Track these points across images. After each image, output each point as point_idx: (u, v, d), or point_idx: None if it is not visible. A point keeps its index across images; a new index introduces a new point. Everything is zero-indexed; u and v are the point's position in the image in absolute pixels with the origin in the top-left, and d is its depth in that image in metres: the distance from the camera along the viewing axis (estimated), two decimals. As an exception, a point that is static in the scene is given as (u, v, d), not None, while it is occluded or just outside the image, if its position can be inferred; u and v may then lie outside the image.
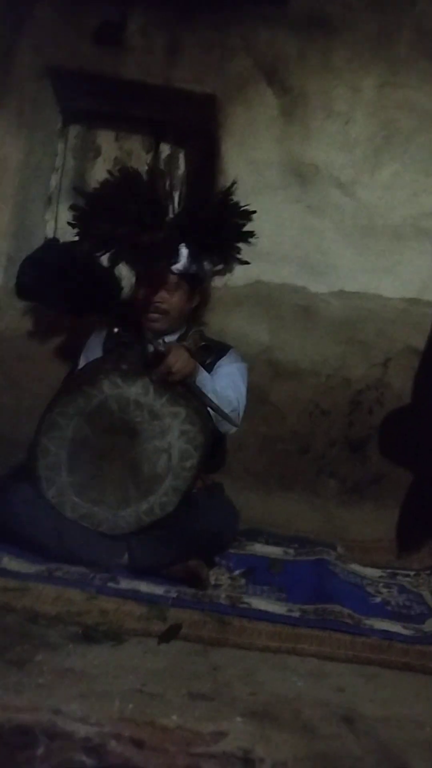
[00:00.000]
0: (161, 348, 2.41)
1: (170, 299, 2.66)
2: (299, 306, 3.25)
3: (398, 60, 3.16)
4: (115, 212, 2.50)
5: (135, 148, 3.61)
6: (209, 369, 2.63)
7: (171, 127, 3.57)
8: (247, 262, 2.73)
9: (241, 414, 2.65)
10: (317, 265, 3.24)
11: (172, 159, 3.61)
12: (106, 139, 3.63)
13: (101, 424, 2.44)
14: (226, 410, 2.49)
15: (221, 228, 2.63)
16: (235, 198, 2.69)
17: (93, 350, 2.74)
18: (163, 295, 2.64)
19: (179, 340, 2.70)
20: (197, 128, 3.43)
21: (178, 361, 2.38)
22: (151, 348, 2.47)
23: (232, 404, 2.57)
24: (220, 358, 2.72)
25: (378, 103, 3.19)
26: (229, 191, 2.69)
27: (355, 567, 2.79)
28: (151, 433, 2.43)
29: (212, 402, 2.44)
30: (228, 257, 2.72)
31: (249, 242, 2.69)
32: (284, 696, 1.74)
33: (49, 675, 1.71)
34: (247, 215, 2.67)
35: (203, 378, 2.50)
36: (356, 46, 3.14)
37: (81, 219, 2.59)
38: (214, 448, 2.58)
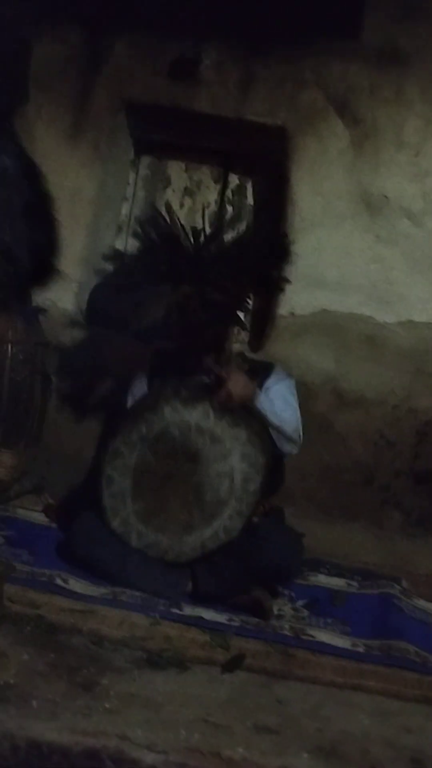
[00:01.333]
0: (221, 373, 2.43)
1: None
2: (366, 336, 3.24)
3: (471, 91, 3.15)
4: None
5: (204, 178, 3.68)
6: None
7: (240, 158, 3.63)
8: (288, 281, 2.73)
9: (301, 433, 2.64)
10: (385, 294, 3.23)
11: (240, 189, 3.66)
12: (175, 170, 3.71)
13: (163, 450, 2.47)
14: (288, 430, 2.50)
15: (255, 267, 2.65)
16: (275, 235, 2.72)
17: (139, 390, 2.75)
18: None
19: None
20: (266, 159, 3.47)
21: (238, 385, 2.39)
22: (211, 375, 2.49)
23: (292, 424, 2.57)
24: (266, 377, 2.71)
25: (450, 134, 3.18)
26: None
27: (421, 602, 2.73)
28: (213, 457, 2.44)
29: (275, 423, 2.45)
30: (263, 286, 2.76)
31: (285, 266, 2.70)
32: (351, 733, 1.71)
33: (116, 700, 1.73)
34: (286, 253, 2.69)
35: (262, 400, 2.50)
36: (429, 78, 3.15)
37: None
38: (273, 469, 2.57)
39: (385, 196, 3.19)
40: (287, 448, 2.56)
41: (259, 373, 2.71)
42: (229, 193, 3.67)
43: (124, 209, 3.73)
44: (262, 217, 3.51)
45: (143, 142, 3.68)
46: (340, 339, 3.24)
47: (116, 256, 2.96)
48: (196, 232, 2.59)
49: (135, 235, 2.68)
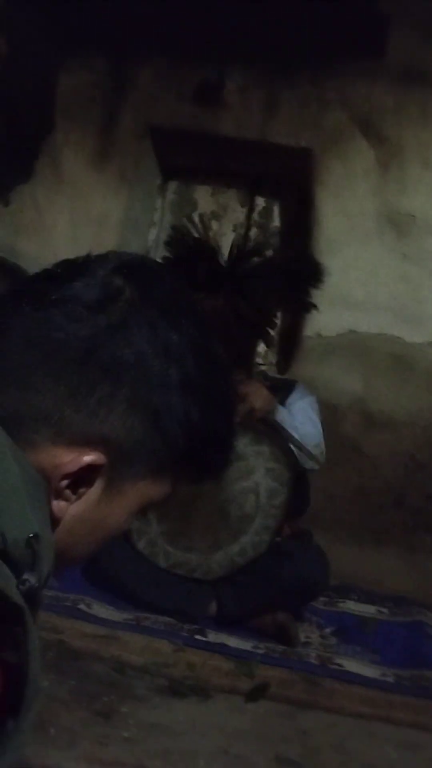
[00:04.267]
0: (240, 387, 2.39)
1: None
2: (394, 356, 3.19)
3: None
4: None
5: (230, 202, 3.69)
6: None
7: (266, 181, 3.63)
8: (314, 306, 2.69)
9: (324, 449, 2.59)
10: (413, 314, 3.18)
11: (266, 212, 3.66)
12: (202, 194, 3.73)
13: None
14: (309, 445, 2.45)
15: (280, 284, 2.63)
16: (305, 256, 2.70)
17: None
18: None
19: None
20: (292, 181, 3.47)
21: (259, 398, 2.36)
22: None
23: (313, 439, 2.52)
24: (288, 394, 2.67)
25: None
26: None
27: (454, 631, 2.64)
28: (237, 474, 2.40)
29: (295, 438, 2.41)
30: (294, 305, 2.73)
31: (317, 287, 2.66)
32: (377, 767, 1.65)
33: (135, 728, 1.69)
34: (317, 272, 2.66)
35: (282, 414, 2.46)
36: (454, 96, 3.13)
37: None
38: (296, 489, 2.52)
39: (412, 215, 3.16)
40: (309, 464, 2.51)
41: (282, 390, 2.68)
42: (255, 215, 3.67)
43: (152, 234, 3.75)
44: (289, 238, 3.51)
45: (170, 167, 3.71)
46: (368, 359, 3.20)
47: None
48: (230, 247, 2.59)
49: (168, 243, 2.66)
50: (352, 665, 2.23)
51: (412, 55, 3.12)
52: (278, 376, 2.91)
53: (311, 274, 2.67)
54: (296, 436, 2.43)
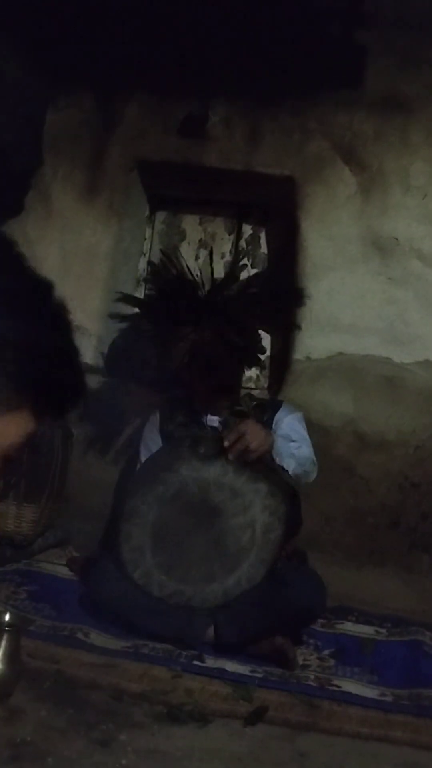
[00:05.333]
0: (237, 426, 2.43)
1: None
2: (384, 377, 3.23)
3: None
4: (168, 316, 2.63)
5: (218, 230, 3.75)
6: (268, 425, 2.61)
7: (253, 209, 3.70)
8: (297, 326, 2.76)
9: (317, 462, 2.63)
10: (401, 335, 3.23)
11: (253, 239, 3.72)
12: (190, 223, 3.79)
13: (183, 506, 2.45)
14: (306, 464, 2.50)
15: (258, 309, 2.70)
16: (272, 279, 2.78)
17: (152, 439, 2.75)
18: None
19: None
20: (277, 208, 3.54)
21: (256, 438, 2.36)
22: (225, 426, 2.50)
23: (309, 458, 2.56)
24: (275, 413, 2.70)
25: (457, 175, 3.22)
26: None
27: (453, 649, 2.64)
28: (234, 510, 2.42)
29: (292, 471, 2.44)
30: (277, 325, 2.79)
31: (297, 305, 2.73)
32: (375, 788, 1.65)
33: (133, 755, 1.70)
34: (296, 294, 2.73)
35: (279, 446, 2.48)
36: (433, 123, 3.21)
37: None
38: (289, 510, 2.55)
39: (395, 239, 3.22)
40: (306, 480, 2.55)
41: (269, 409, 2.71)
42: (243, 243, 3.74)
43: (142, 263, 3.81)
44: (275, 264, 3.57)
45: (158, 198, 3.78)
46: (358, 381, 3.24)
47: (128, 299, 3.03)
48: (207, 277, 2.66)
49: (147, 280, 2.75)
50: (350, 686, 2.23)
51: (390, 83, 3.21)
52: (264, 397, 2.96)
53: (289, 293, 2.74)
54: (293, 464, 2.46)
